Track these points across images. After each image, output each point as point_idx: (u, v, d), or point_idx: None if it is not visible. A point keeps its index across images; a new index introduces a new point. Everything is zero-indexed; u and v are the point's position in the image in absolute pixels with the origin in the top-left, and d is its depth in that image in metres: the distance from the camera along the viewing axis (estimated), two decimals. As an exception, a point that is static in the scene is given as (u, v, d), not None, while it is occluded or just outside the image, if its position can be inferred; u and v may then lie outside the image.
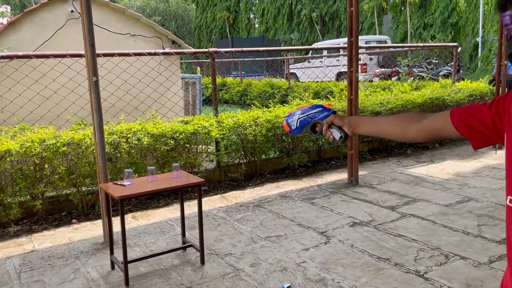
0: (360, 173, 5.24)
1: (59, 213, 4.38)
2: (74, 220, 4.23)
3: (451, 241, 3.41)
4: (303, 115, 1.49)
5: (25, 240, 3.81)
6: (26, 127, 4.26)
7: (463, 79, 9.99)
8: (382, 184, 5.00)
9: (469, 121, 1.06)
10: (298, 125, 1.50)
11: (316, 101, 6.16)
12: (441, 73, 12.31)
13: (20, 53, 4.43)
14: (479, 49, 19.33)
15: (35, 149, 3.93)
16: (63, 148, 4.04)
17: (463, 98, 7.15)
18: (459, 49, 10.14)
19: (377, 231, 3.68)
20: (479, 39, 19.29)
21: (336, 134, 1.42)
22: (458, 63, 11.48)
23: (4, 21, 5.33)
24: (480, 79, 8.61)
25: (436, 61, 14.17)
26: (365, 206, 4.30)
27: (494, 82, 8.38)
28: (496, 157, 6.00)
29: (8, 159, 3.86)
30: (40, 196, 4.17)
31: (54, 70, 4.82)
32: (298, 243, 3.51)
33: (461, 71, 13.54)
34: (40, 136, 4.07)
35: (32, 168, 4.01)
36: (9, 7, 5.63)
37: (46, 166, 4.05)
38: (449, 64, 12.98)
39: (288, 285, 2.84)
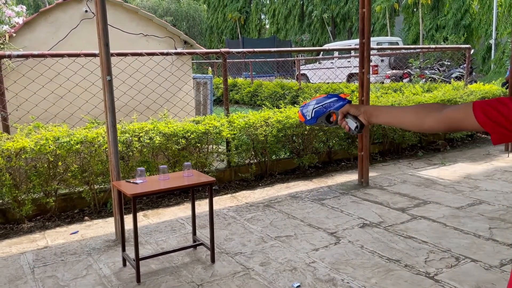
0: (370, 174, 5.23)
1: (72, 210, 4.44)
2: (86, 218, 4.28)
3: (462, 244, 3.40)
4: (318, 105, 1.46)
5: (38, 236, 3.87)
6: (40, 125, 4.33)
7: (475, 81, 9.91)
8: (392, 186, 4.99)
9: (492, 115, 1.04)
10: (313, 115, 1.47)
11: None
12: (453, 75, 12.23)
13: (36, 52, 4.51)
14: (492, 51, 19.15)
15: (49, 147, 3.99)
16: (77, 146, 4.09)
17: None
18: (472, 51, 10.05)
19: (387, 233, 3.67)
20: (492, 41, 19.11)
21: (352, 124, 1.39)
22: (471, 65, 11.38)
23: (20, 20, 5.40)
24: (493, 82, 8.53)
25: (448, 63, 14.07)
26: (375, 208, 4.30)
27: (507, 85, 8.29)
28: (508, 160, 5.94)
29: (23, 156, 3.92)
30: (53, 193, 4.23)
31: (69, 69, 4.89)
32: (308, 243, 3.52)
33: (473, 73, 13.43)
34: (54, 134, 4.14)
35: (46, 165, 4.07)
36: (24, 7, 5.70)
37: (60, 163, 4.11)
38: (461, 66, 12.87)
39: (298, 284, 2.85)
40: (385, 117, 1.35)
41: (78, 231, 3.81)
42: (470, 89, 7.66)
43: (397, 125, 1.37)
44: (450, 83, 8.49)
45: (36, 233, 3.95)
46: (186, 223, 4.04)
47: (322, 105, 1.46)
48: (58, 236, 3.84)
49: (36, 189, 4.08)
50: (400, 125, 1.36)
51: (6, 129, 4.36)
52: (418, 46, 18.38)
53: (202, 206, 4.40)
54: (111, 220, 4.07)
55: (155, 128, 4.58)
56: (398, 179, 5.26)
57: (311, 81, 15.75)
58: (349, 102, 1.43)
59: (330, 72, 13.65)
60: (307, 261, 3.20)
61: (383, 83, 12.65)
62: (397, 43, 16.88)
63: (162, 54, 5.19)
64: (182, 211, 4.40)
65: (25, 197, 4.06)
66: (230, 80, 15.35)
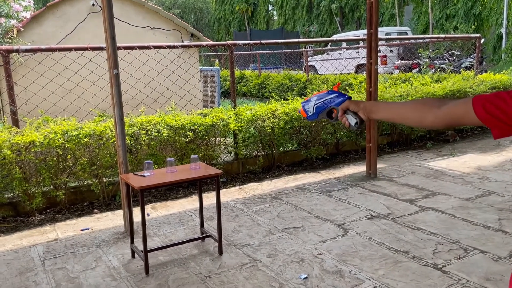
0: (378, 166, 5.21)
1: (81, 203, 4.49)
2: (95, 210, 4.33)
3: (470, 235, 3.38)
4: (319, 101, 1.50)
5: (48, 228, 3.92)
6: (49, 119, 4.36)
7: (486, 71, 9.78)
8: (401, 177, 4.97)
9: (492, 110, 1.04)
10: (314, 111, 1.51)
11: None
12: (463, 65, 12.07)
13: (43, 46, 4.53)
14: (503, 40, 18.86)
15: (58, 140, 4.02)
16: (85, 140, 4.12)
17: (486, 91, 7.01)
18: (482, 40, 9.92)
19: (395, 224, 3.66)
20: (503, 30, 18.81)
21: (352, 119, 1.43)
22: (481, 55, 11.24)
23: (28, 15, 5.43)
24: (504, 71, 8.42)
25: (458, 53, 13.89)
26: (383, 199, 4.28)
27: (518, 74, 8.18)
28: (519, 151, 5.88)
29: (32, 150, 3.96)
30: (63, 186, 4.28)
31: (76, 63, 4.91)
32: (316, 235, 3.52)
33: (484, 63, 13.25)
34: (63, 127, 4.17)
35: (55, 159, 4.11)
36: (32, 1, 5.72)
37: (69, 157, 4.14)
38: (471, 56, 12.71)
39: (305, 276, 2.86)
40: (384, 113, 1.38)
41: (88, 228, 3.85)
42: (480, 79, 7.56)
43: (397, 121, 1.40)
44: (460, 73, 8.38)
45: (46, 225, 3.99)
46: (194, 215, 4.06)
47: (322, 101, 1.50)
48: (68, 229, 3.88)
49: (46, 182, 4.12)
50: (400, 121, 1.38)
51: (16, 123, 4.40)
52: (428, 35, 18.17)
53: (210, 198, 4.42)
54: (120, 212, 4.10)
55: (163, 121, 4.60)
56: (406, 171, 5.23)
57: (319, 72, 15.66)
58: (349, 98, 1.47)
59: (338, 63, 13.56)
60: (314, 252, 3.21)
61: (391, 73, 12.54)
62: (406, 33, 16.69)
63: (169, 47, 5.19)
64: (190, 203, 4.42)
65: (35, 190, 4.10)
66: (237, 72, 15.33)
